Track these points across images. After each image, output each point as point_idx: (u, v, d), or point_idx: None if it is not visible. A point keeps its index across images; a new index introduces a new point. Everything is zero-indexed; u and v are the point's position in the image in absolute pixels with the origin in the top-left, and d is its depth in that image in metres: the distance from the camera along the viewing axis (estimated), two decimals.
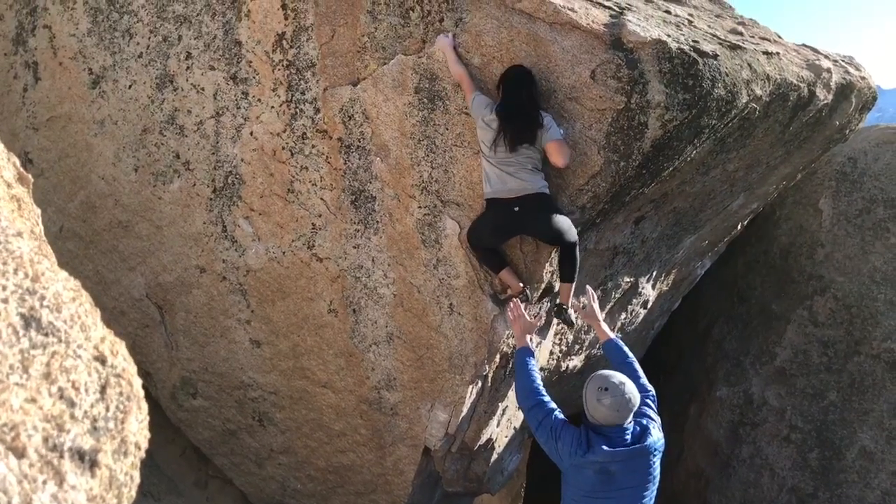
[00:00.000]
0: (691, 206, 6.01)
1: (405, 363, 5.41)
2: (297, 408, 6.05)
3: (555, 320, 5.63)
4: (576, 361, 6.70)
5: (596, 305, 4.54)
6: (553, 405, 3.78)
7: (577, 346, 6.51)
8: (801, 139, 6.12)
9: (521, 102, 4.27)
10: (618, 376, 3.55)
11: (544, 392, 3.87)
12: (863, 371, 7.41)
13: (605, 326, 4.47)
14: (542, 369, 6.09)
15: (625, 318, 7.01)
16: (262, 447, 6.41)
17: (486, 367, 5.22)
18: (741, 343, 8.45)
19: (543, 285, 5.07)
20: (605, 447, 3.41)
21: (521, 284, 4.79)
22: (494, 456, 6.19)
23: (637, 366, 4.08)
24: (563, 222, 4.41)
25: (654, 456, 3.54)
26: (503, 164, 4.33)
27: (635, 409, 3.49)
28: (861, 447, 7.19)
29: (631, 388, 3.49)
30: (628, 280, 6.37)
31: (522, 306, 4.41)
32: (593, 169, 4.47)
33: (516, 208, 4.35)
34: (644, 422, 3.60)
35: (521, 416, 6.33)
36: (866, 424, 7.25)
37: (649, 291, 7.03)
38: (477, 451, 5.93)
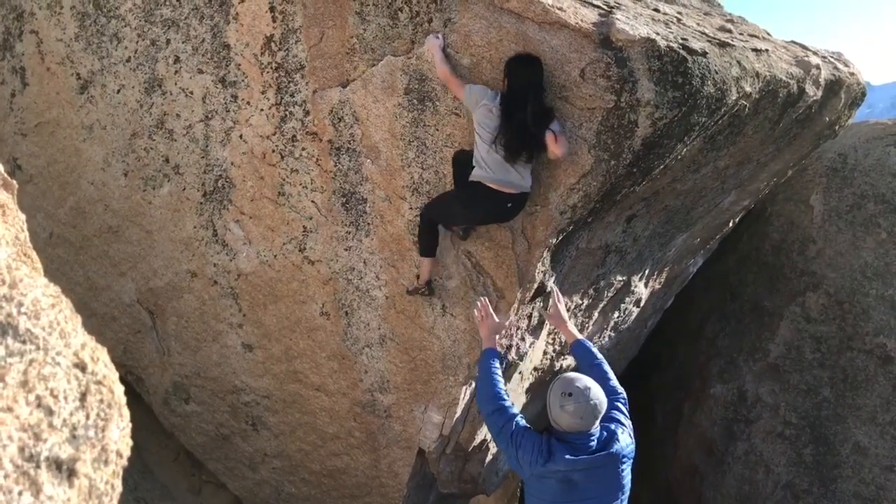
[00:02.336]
0: (683, 204, 6.01)
1: (398, 365, 5.40)
2: (291, 411, 6.03)
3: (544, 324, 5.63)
4: (570, 360, 6.69)
5: (562, 307, 4.40)
6: (515, 410, 3.62)
7: None
8: (791, 136, 6.13)
9: (523, 121, 4.13)
10: (583, 380, 3.38)
11: (506, 397, 3.70)
12: (855, 366, 7.43)
13: (572, 328, 4.33)
14: (535, 369, 6.09)
15: (618, 317, 7.01)
16: (256, 451, 6.39)
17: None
18: (734, 340, 8.45)
19: (535, 285, 5.06)
20: (567, 456, 3.26)
21: (431, 280, 4.94)
22: (489, 457, 6.18)
23: (607, 367, 3.91)
24: None
25: (623, 463, 3.39)
26: (499, 154, 4.22)
27: (602, 415, 3.34)
28: (855, 442, 7.21)
29: (597, 393, 3.33)
30: (621, 279, 6.37)
31: (490, 306, 4.32)
32: (584, 168, 4.45)
33: (510, 204, 4.33)
34: (612, 427, 3.44)
35: None
36: (859, 419, 7.27)
37: (642, 290, 7.03)
38: (471, 453, 5.92)
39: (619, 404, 3.66)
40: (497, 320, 4.22)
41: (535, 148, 4.24)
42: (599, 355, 4.03)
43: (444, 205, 4.68)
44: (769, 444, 7.77)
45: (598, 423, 3.35)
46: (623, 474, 3.40)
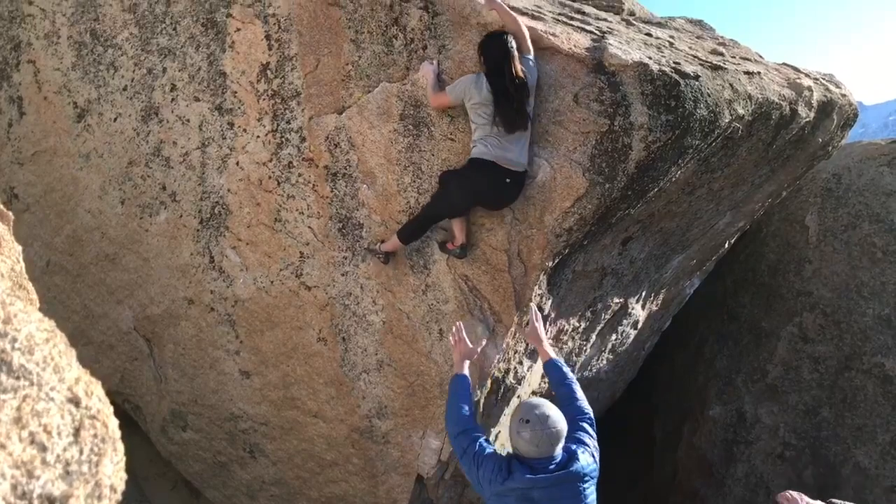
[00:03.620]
0: (678, 226, 6.03)
1: (396, 391, 5.38)
2: (288, 438, 5.99)
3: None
4: None
5: (539, 325, 4.36)
6: (479, 433, 3.64)
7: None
8: (784, 157, 6.16)
9: (507, 90, 4.25)
10: (543, 407, 3.34)
11: (473, 420, 3.73)
12: (854, 386, 7.41)
13: (547, 346, 4.28)
14: (534, 392, 6.07)
15: (615, 339, 7.00)
16: (254, 479, 6.35)
17: (478, 392, 5.19)
18: (732, 361, 8.44)
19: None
20: (527, 475, 3.25)
21: (391, 255, 5.05)
22: None
23: (576, 387, 3.89)
24: None
25: (584, 482, 3.33)
26: (497, 134, 4.33)
27: (560, 443, 3.30)
28: (855, 463, 7.17)
29: (556, 421, 3.29)
30: (618, 301, 6.37)
31: (463, 331, 4.30)
32: (579, 191, 4.47)
33: (508, 180, 4.38)
34: (573, 447, 3.41)
35: None
36: (860, 440, 7.23)
37: (639, 312, 7.03)
38: None
39: (585, 425, 3.64)
40: (470, 346, 4.20)
41: (527, 116, 4.31)
42: (570, 375, 4.01)
43: (443, 192, 4.70)
44: (769, 465, 7.73)
45: (559, 450, 3.33)
46: (585, 493, 3.33)
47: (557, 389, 3.89)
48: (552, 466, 3.30)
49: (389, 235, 5.04)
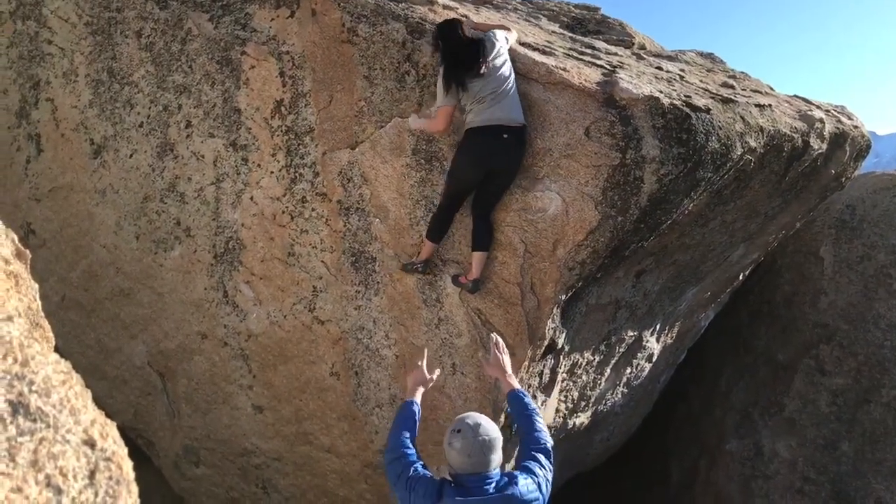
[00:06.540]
0: (692, 258, 6.01)
1: None
2: (301, 474, 5.96)
3: (559, 382, 5.59)
4: (582, 418, 6.62)
5: (502, 356, 4.16)
6: (415, 458, 3.49)
7: (582, 403, 6.43)
8: (797, 188, 6.14)
9: (454, 52, 4.48)
10: (474, 417, 3.25)
11: (410, 446, 3.57)
12: (874, 420, 7.30)
13: (511, 379, 4.08)
14: (548, 427, 6.01)
15: (630, 373, 6.94)
16: None
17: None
18: (749, 394, 8.34)
19: (546, 342, 5.04)
20: (457, 497, 3.12)
21: (429, 261, 5.00)
22: None
23: (538, 417, 3.78)
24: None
25: None
26: (481, 102, 4.43)
27: (494, 453, 3.17)
28: (877, 498, 7.04)
29: (488, 430, 3.18)
30: (632, 334, 6.33)
31: (425, 359, 4.21)
32: (591, 224, 4.48)
33: (505, 135, 4.42)
34: (515, 473, 3.27)
35: None
36: (880, 475, 7.11)
37: (654, 345, 6.98)
38: None
39: (539, 455, 3.50)
40: (426, 375, 4.11)
41: (479, 66, 4.42)
42: (533, 405, 3.89)
43: (451, 172, 4.72)
44: (788, 500, 7.59)
45: (493, 464, 3.21)
46: None
47: (519, 420, 3.80)
48: (488, 488, 3.16)
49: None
